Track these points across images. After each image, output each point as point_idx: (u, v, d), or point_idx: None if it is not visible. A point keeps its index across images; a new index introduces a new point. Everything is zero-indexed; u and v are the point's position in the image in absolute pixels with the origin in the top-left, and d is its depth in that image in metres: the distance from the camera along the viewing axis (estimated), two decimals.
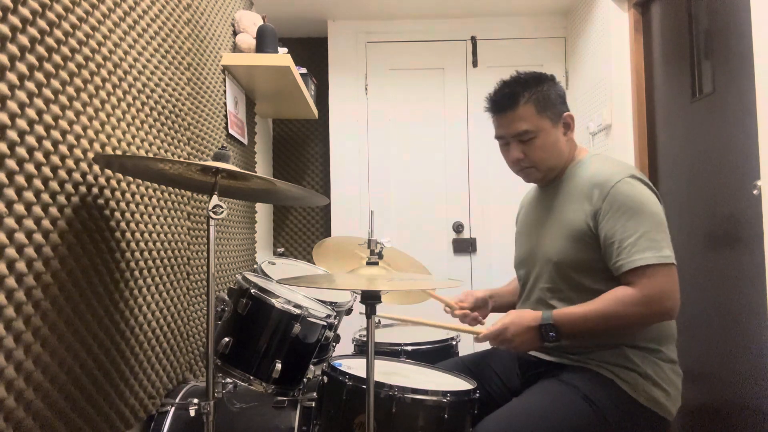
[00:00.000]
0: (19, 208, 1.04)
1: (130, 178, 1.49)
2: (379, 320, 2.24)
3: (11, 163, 1.02)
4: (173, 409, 1.60)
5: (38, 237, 1.09)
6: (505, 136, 1.51)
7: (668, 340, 1.43)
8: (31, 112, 1.07)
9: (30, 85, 1.07)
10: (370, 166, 3.37)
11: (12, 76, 1.02)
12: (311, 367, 1.65)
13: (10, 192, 1.02)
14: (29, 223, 1.07)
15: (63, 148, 1.18)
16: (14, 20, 1.02)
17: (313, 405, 1.56)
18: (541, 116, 1.47)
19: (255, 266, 2.82)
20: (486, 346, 1.77)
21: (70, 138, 1.21)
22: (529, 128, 1.47)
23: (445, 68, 3.38)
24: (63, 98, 1.18)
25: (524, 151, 1.50)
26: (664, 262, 1.34)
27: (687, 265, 2.25)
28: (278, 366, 1.48)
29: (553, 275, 1.48)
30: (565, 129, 1.52)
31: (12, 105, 1.02)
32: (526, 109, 1.47)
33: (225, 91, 2.42)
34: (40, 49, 1.10)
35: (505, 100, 1.49)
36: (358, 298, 1.27)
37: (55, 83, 1.15)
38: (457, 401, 1.32)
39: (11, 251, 1.01)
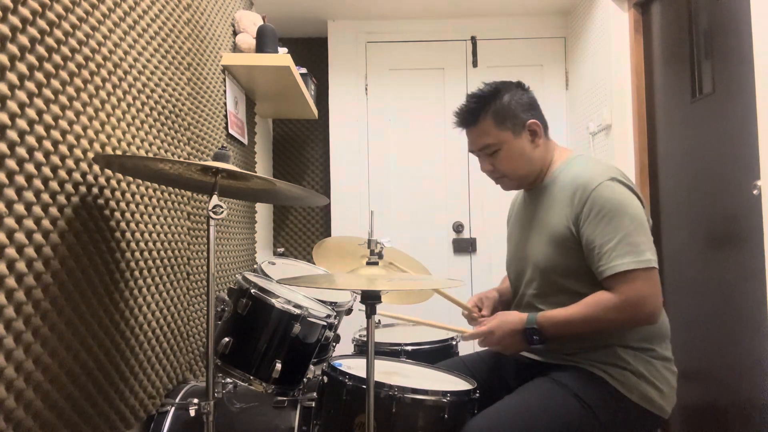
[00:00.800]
0: (19, 208, 1.04)
1: (130, 178, 1.49)
2: (380, 320, 2.24)
3: (11, 163, 1.02)
4: (173, 409, 1.60)
5: (38, 237, 1.09)
6: (473, 150, 1.56)
7: (661, 339, 1.43)
8: (31, 112, 1.07)
9: (30, 85, 1.07)
10: (370, 167, 3.37)
11: (12, 76, 1.02)
12: (311, 367, 1.65)
13: (10, 192, 1.02)
14: (29, 223, 1.07)
15: (63, 148, 1.18)
16: (14, 20, 1.02)
17: (313, 405, 1.56)
18: (500, 129, 1.49)
19: (255, 266, 2.82)
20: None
21: (70, 138, 1.21)
22: (490, 142, 1.50)
23: (445, 68, 3.38)
24: (63, 98, 1.18)
25: (492, 163, 1.53)
26: (644, 266, 1.33)
27: (687, 265, 2.25)
28: (278, 366, 1.47)
29: (542, 281, 1.48)
30: (532, 136, 1.51)
31: (12, 105, 1.02)
32: (486, 123, 1.49)
33: (225, 91, 2.42)
34: (40, 49, 1.10)
35: (465, 117, 1.53)
36: (358, 298, 1.27)
37: (55, 83, 1.15)
38: (457, 401, 1.32)
39: (11, 251, 1.01)
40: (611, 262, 1.34)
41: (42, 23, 1.11)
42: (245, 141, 2.75)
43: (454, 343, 2.02)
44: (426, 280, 1.54)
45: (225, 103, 2.42)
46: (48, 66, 1.13)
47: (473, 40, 3.37)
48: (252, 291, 1.50)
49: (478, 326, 1.50)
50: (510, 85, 1.52)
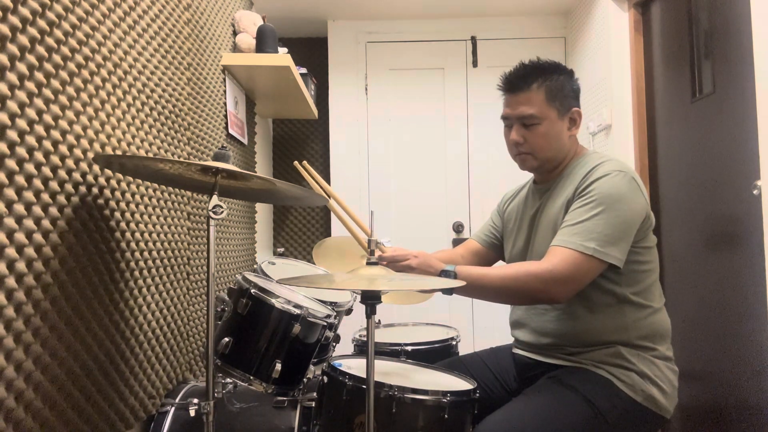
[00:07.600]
0: (19, 208, 1.04)
1: (130, 178, 1.49)
2: (379, 320, 2.24)
3: (11, 163, 1.02)
4: (173, 409, 1.60)
5: (38, 237, 1.09)
6: (511, 116, 1.50)
7: (663, 338, 1.43)
8: (31, 112, 1.07)
9: (30, 85, 1.07)
10: (370, 167, 3.37)
11: (12, 76, 1.02)
12: (311, 367, 1.65)
13: (10, 192, 1.02)
14: (29, 223, 1.06)
15: (63, 148, 1.18)
16: (14, 20, 1.02)
17: (313, 405, 1.56)
18: (549, 105, 1.46)
19: (255, 266, 2.82)
20: (486, 346, 1.78)
21: (70, 138, 1.21)
22: (535, 113, 1.46)
23: (445, 68, 3.38)
24: (63, 98, 1.18)
25: (525, 136, 1.48)
26: (584, 251, 1.32)
27: (687, 265, 2.25)
28: (278, 366, 1.47)
29: None
30: (570, 124, 1.51)
31: (12, 105, 1.02)
32: (537, 94, 1.46)
33: (225, 91, 2.42)
34: (40, 49, 1.10)
35: (518, 81, 1.49)
36: (358, 298, 1.27)
37: (55, 83, 1.15)
38: (457, 401, 1.32)
39: (11, 251, 1.01)
40: (560, 236, 1.36)
41: (42, 23, 1.11)
42: (245, 141, 2.75)
43: (454, 343, 2.02)
44: (426, 280, 1.53)
45: (225, 103, 2.42)
46: (48, 66, 1.13)
47: (473, 40, 3.37)
48: (252, 291, 1.50)
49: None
50: (565, 68, 1.52)
